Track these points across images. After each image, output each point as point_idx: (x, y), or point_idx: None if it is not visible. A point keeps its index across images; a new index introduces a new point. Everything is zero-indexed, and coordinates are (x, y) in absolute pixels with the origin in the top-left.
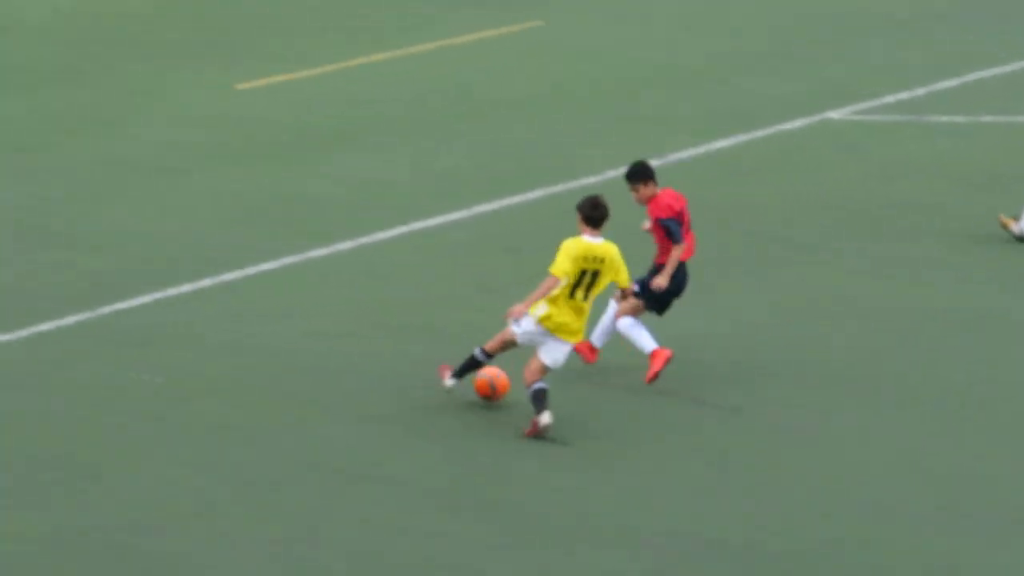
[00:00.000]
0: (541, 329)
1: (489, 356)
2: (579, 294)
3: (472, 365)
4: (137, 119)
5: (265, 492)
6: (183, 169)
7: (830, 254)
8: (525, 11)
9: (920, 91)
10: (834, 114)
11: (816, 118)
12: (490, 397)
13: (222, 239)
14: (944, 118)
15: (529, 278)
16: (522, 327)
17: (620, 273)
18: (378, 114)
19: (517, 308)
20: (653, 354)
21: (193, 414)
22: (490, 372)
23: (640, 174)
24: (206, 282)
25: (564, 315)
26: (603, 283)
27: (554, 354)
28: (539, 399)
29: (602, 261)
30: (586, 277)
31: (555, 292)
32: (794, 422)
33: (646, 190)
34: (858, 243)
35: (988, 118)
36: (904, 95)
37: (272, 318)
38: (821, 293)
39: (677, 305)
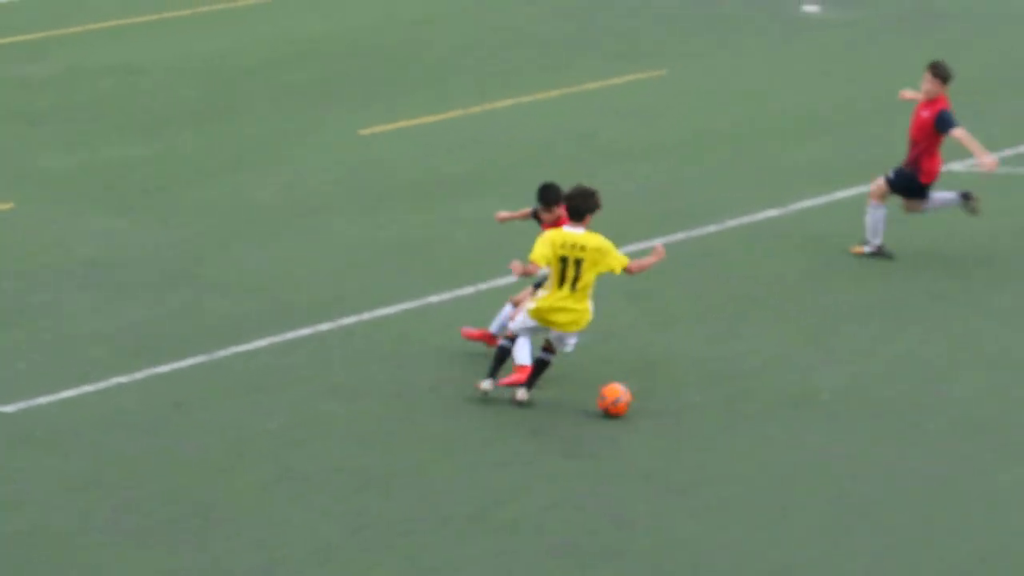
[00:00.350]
0: (532, 321)
1: (512, 340)
2: (566, 286)
3: (503, 357)
4: (264, 163)
5: (385, 537)
6: (308, 213)
7: (950, 303)
8: (649, 60)
9: None
10: (958, 165)
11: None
12: (607, 408)
13: (343, 283)
14: None
15: (653, 324)
16: (516, 320)
17: (608, 259)
18: (503, 160)
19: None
20: (522, 368)
21: (310, 457)
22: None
23: (555, 197)
24: (324, 326)
25: (551, 305)
26: (589, 273)
27: (563, 342)
28: (501, 357)
29: (583, 248)
30: (569, 266)
31: (547, 286)
32: (940, 472)
33: (558, 210)
34: (983, 292)
35: None
36: None
37: (390, 362)
38: (953, 343)
39: (817, 357)
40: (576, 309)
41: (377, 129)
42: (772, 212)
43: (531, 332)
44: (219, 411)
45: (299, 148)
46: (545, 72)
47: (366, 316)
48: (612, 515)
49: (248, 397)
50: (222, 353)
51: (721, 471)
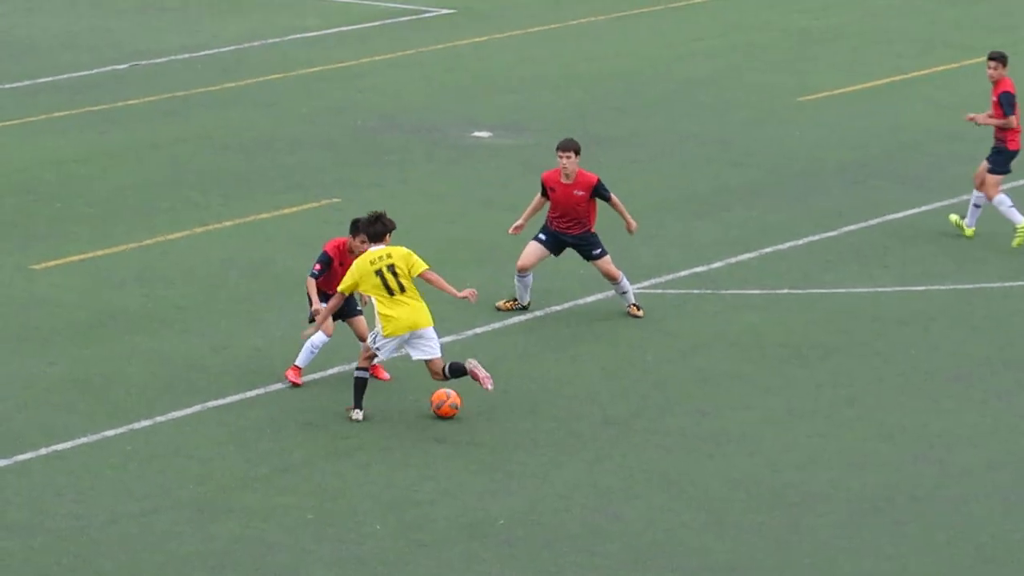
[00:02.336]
0: (390, 340)
1: (366, 371)
2: (396, 293)
3: (361, 386)
4: None
5: None
6: None
7: (622, 428)
8: (321, 190)
9: (717, 264)
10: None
11: (611, 292)
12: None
13: (16, 419)
14: (741, 291)
15: (330, 454)
16: (380, 350)
17: (412, 261)
18: (175, 292)
19: (310, 330)
20: (297, 370)
21: None
22: (449, 396)
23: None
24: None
25: (396, 316)
26: (406, 279)
27: (421, 349)
28: (458, 370)
29: (389, 256)
30: (387, 276)
31: (378, 306)
32: None
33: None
34: (655, 416)
35: (785, 290)
36: (701, 268)
37: (67, 498)
38: (626, 468)
39: (492, 484)
40: (415, 303)
41: (46, 264)
42: (446, 339)
43: (396, 349)
44: None
45: None
46: (215, 205)
47: (43, 451)
48: None
49: None
50: None
51: None
